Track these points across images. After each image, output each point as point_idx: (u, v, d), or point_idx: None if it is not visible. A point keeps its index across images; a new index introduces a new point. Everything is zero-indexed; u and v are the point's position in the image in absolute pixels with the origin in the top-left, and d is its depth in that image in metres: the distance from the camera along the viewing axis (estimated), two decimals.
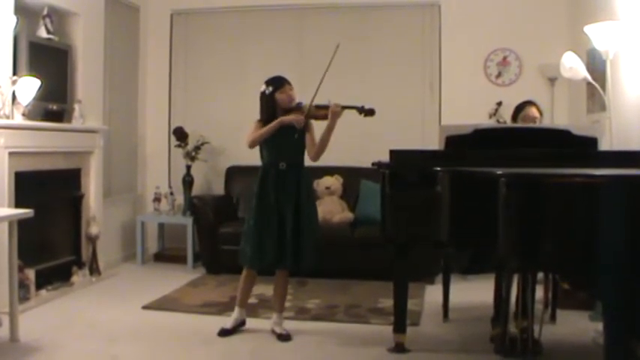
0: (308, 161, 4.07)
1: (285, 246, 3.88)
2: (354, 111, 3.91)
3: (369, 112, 3.91)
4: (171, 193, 6.52)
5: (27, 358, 3.57)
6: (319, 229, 4.09)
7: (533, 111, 4.27)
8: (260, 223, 3.93)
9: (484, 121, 5.93)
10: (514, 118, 4.37)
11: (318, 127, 3.99)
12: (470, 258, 5.04)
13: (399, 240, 3.65)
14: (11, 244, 3.80)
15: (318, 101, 3.93)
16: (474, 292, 4.95)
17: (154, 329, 4.16)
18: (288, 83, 4.00)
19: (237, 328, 4.07)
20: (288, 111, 3.95)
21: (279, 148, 3.93)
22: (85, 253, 5.50)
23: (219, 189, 6.51)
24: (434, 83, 6.34)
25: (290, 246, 3.88)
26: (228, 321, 4.08)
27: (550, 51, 5.75)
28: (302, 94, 4.02)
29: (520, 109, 4.32)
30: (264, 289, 4.59)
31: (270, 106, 3.96)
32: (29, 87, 4.53)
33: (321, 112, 3.93)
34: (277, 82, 3.98)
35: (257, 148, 4.01)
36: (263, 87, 4.00)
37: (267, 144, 3.96)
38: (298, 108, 3.96)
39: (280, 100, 3.95)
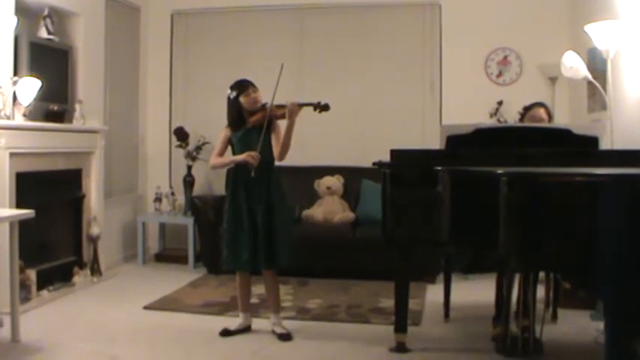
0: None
1: (258, 246, 3.91)
2: (310, 107, 3.94)
3: (324, 108, 3.94)
4: (172, 194, 6.52)
5: (28, 358, 3.57)
6: (293, 228, 4.13)
7: (541, 112, 4.20)
8: (233, 225, 3.97)
9: (485, 120, 5.93)
10: (522, 119, 4.34)
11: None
12: (471, 257, 5.06)
13: (400, 239, 3.65)
14: (12, 244, 3.80)
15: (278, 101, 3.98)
16: (475, 292, 4.96)
17: (155, 329, 4.16)
18: (253, 86, 4.03)
19: (241, 332, 4.07)
20: (253, 113, 3.99)
21: (248, 150, 3.94)
22: (86, 254, 5.50)
23: (220, 189, 6.47)
24: (434, 82, 6.33)
25: (262, 246, 3.90)
26: (232, 323, 4.10)
27: (551, 50, 5.75)
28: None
29: (528, 109, 4.29)
30: (264, 289, 4.58)
31: (235, 110, 4.02)
32: (30, 87, 4.54)
33: (280, 111, 3.97)
34: (240, 87, 4.02)
35: (229, 150, 4.09)
36: (228, 91, 4.05)
37: (236, 148, 4.02)
38: (263, 109, 3.98)
39: (245, 104, 3.99)
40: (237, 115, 4.01)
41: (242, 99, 3.99)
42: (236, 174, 4.03)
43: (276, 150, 3.99)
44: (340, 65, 6.42)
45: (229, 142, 4.06)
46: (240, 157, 3.94)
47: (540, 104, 4.27)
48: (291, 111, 3.88)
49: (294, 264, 4.03)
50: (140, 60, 6.69)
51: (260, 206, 3.93)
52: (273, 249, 3.92)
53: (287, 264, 3.99)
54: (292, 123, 3.90)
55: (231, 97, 4.02)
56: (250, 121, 3.98)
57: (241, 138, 3.99)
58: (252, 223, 3.93)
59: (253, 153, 3.89)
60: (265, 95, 4.03)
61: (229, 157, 4.05)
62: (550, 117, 4.26)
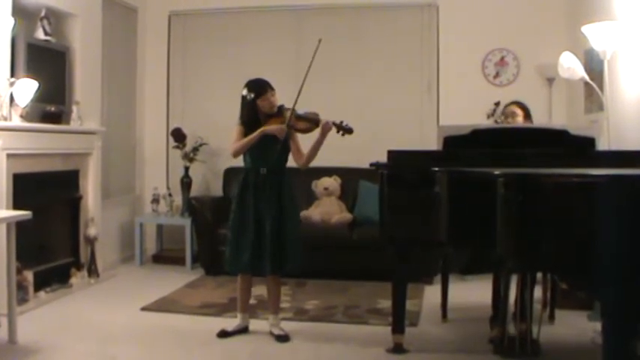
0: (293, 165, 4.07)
1: (263, 250, 3.88)
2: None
3: (348, 131, 3.92)
4: (170, 195, 6.52)
5: (25, 359, 3.56)
6: (300, 233, 4.09)
7: (512, 108, 4.34)
8: (237, 227, 3.96)
9: (482, 121, 5.94)
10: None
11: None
12: (468, 258, 5.06)
13: (397, 240, 3.65)
14: (9, 245, 3.79)
15: (300, 104, 3.94)
16: (473, 293, 4.96)
17: (153, 330, 4.15)
18: (271, 88, 3.99)
19: (238, 333, 4.07)
20: (269, 116, 3.96)
21: (262, 154, 3.94)
22: (84, 255, 5.49)
23: (217, 190, 6.50)
24: (432, 83, 6.34)
25: (268, 251, 3.87)
26: (230, 324, 4.09)
27: (548, 51, 5.76)
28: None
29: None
30: (263, 290, 4.57)
31: (252, 112, 3.97)
32: (27, 88, 4.53)
33: (301, 124, 3.94)
34: (259, 89, 3.97)
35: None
36: (245, 91, 3.99)
37: (250, 150, 3.97)
38: (279, 114, 3.95)
39: (262, 107, 3.96)
40: (252, 116, 3.97)
41: (260, 102, 3.95)
42: (246, 175, 4.01)
43: (297, 158, 3.98)
44: (338, 66, 6.42)
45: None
46: (270, 128, 3.87)
47: (514, 102, 4.41)
48: (326, 131, 3.86)
49: (300, 267, 4.02)
50: (137, 61, 6.69)
51: (270, 211, 3.90)
52: (280, 255, 3.89)
53: (294, 268, 3.99)
54: (324, 140, 3.88)
55: (249, 98, 3.96)
56: (267, 127, 3.93)
57: (257, 142, 3.93)
58: (258, 225, 3.90)
59: (283, 126, 3.86)
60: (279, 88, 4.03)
61: (255, 132, 3.90)
62: (525, 112, 4.34)
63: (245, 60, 6.50)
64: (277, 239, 3.89)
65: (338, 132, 3.92)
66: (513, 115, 4.31)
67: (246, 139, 3.93)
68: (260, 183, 3.93)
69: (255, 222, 3.91)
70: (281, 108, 3.98)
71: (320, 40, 3.81)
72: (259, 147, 3.93)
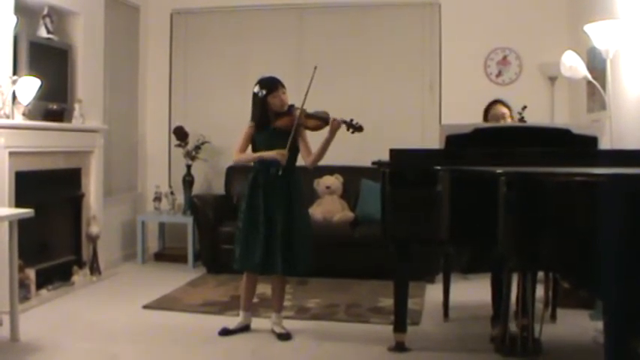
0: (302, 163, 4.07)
1: (274, 250, 3.88)
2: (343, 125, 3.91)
3: (358, 129, 3.92)
4: (172, 193, 6.53)
5: (27, 357, 3.57)
6: (312, 233, 4.08)
7: (499, 107, 4.25)
8: (247, 226, 3.95)
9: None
10: (485, 119, 4.37)
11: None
12: (470, 257, 5.06)
13: (399, 239, 3.65)
14: (12, 243, 3.80)
15: (308, 105, 3.94)
16: (475, 292, 4.95)
17: (155, 329, 4.16)
18: (282, 86, 3.99)
19: (240, 331, 4.07)
20: (280, 114, 3.95)
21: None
22: (86, 253, 5.50)
23: (219, 188, 6.51)
24: (434, 82, 6.34)
25: (279, 250, 3.87)
26: (232, 322, 4.09)
27: (550, 50, 5.75)
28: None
29: (488, 110, 4.32)
30: (265, 289, 4.58)
31: (263, 110, 3.96)
32: (29, 87, 4.54)
33: (310, 122, 3.94)
34: (270, 86, 3.96)
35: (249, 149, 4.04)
36: (256, 88, 3.98)
37: (258, 148, 3.98)
38: (289, 113, 3.95)
39: (272, 105, 3.95)
40: (262, 113, 3.96)
41: (270, 100, 3.94)
42: (256, 174, 4.00)
43: (307, 158, 3.97)
44: (340, 65, 6.42)
45: (252, 139, 4.00)
46: (270, 154, 3.89)
47: (497, 101, 4.30)
48: (335, 128, 3.85)
49: (312, 267, 4.01)
50: (140, 59, 6.69)
51: (280, 210, 3.89)
52: (290, 256, 3.88)
53: (306, 268, 3.98)
54: (333, 138, 3.87)
55: (260, 95, 3.95)
56: (276, 124, 3.94)
57: (266, 140, 3.94)
58: (268, 225, 3.89)
59: (283, 151, 3.86)
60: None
61: (256, 153, 3.96)
62: (510, 110, 4.28)
63: (247, 58, 6.51)
64: (288, 238, 3.88)
65: (348, 130, 3.92)
66: (504, 116, 4.23)
67: (247, 157, 4.01)
68: (270, 182, 3.93)
69: (265, 221, 3.90)
70: (291, 107, 3.98)
71: (315, 68, 3.84)
72: (267, 148, 3.93)
